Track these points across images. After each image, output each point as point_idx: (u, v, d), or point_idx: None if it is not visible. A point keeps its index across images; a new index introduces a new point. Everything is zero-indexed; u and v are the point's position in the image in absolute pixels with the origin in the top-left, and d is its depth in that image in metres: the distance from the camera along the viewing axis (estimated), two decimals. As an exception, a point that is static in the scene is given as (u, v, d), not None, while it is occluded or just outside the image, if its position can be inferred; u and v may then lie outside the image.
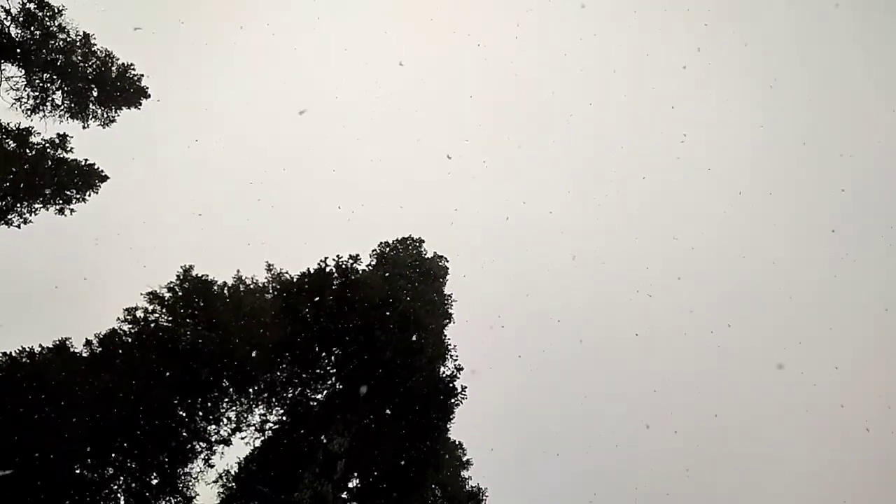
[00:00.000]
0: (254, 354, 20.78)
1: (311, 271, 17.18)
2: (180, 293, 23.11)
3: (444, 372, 16.02)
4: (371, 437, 14.78)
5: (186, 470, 19.62)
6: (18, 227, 21.36)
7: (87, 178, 22.19)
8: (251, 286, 25.14)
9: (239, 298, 23.93)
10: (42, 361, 15.61)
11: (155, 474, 18.56)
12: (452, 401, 15.45)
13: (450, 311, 20.52)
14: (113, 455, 17.36)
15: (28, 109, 21.61)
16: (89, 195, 22.73)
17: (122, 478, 17.81)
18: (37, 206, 21.66)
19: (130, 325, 20.71)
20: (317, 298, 16.11)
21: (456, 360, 16.85)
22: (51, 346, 16.72)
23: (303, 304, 16.36)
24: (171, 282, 22.99)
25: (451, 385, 15.56)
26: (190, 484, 19.36)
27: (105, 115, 22.89)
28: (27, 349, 15.65)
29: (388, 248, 26.87)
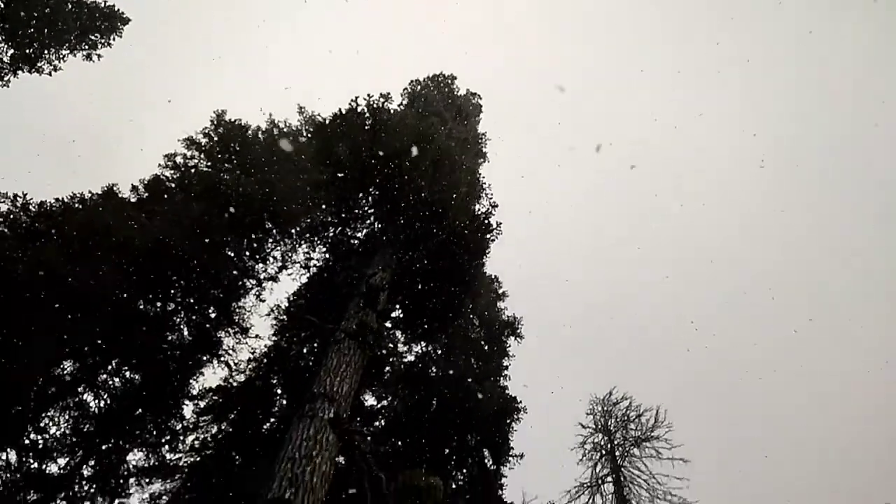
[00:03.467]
0: (293, 196, 21.27)
1: (343, 112, 16.92)
2: (216, 138, 23.25)
3: (479, 209, 16.22)
4: (410, 270, 15.40)
5: (240, 304, 21.01)
6: (49, 74, 21.29)
7: (109, 21, 21.60)
8: (284, 129, 25.09)
9: (273, 142, 24.03)
10: (93, 206, 16.21)
11: (212, 308, 19.94)
12: (488, 236, 15.80)
13: (483, 149, 20.34)
14: (172, 292, 18.59)
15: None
16: (113, 39, 22.24)
17: (182, 312, 19.21)
18: (64, 52, 21.39)
19: (172, 171, 21.16)
20: (350, 139, 16.04)
21: (491, 197, 16.96)
22: (99, 192, 17.27)
23: (336, 145, 16.33)
24: (206, 127, 23.06)
25: (486, 221, 15.83)
26: (245, 316, 20.83)
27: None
28: (78, 195, 16.20)
29: (419, 87, 26.13)
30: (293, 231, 22.53)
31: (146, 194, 18.99)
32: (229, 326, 20.18)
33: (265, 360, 20.00)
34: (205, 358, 19.58)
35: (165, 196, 19.00)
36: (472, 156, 18.03)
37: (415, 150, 15.39)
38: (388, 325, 16.42)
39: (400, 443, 19.47)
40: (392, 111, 17.50)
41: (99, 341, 15.10)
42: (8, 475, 14.65)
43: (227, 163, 22.46)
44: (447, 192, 15.29)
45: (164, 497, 16.93)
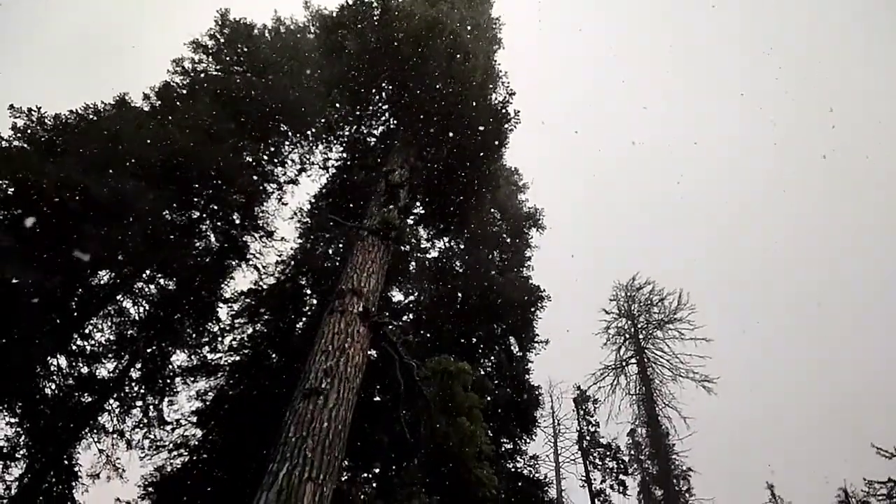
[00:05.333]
0: (305, 97, 20.88)
1: (349, 2, 16.17)
2: (222, 40, 22.61)
3: (495, 98, 15.74)
4: (429, 165, 15.24)
5: (263, 209, 21.23)
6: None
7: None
8: (291, 26, 24.25)
9: (281, 40, 23.30)
10: (108, 117, 16.14)
11: (236, 214, 20.22)
12: (506, 126, 15.42)
13: (498, 35, 19.46)
14: (195, 200, 18.80)
15: None
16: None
17: (207, 220, 19.52)
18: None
19: (182, 77, 20.80)
20: (359, 31, 15.40)
21: (507, 85, 16.39)
22: (112, 102, 17.12)
23: (345, 38, 15.72)
24: (211, 28, 22.37)
25: (503, 110, 15.41)
26: (269, 220, 21.12)
27: None
28: (91, 105, 16.09)
29: (428, -30, 24.73)
30: (309, 132, 22.33)
31: (158, 102, 18.80)
32: (254, 231, 20.53)
33: (293, 263, 20.44)
34: (234, 262, 20.09)
35: (178, 103, 18.79)
36: (487, 42, 17.25)
37: (426, 40, 14.78)
38: (410, 221, 16.47)
39: (428, 334, 20.13)
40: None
41: (131, 251, 15.49)
42: (60, 380, 15.58)
43: (237, 65, 21.99)
44: (462, 83, 14.78)
45: (209, 393, 17.94)
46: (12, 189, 13.28)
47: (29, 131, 14.56)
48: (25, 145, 14.30)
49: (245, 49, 22.39)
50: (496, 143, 15.69)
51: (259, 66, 21.91)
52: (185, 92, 19.76)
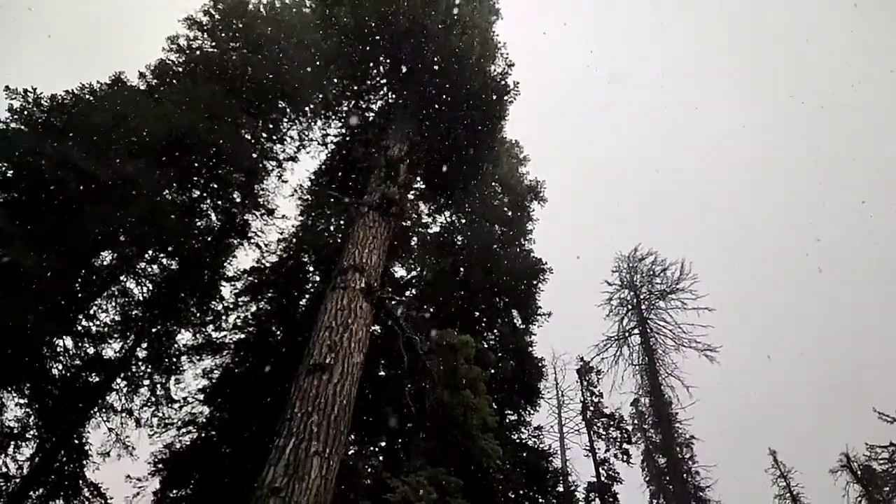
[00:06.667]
0: (302, 72, 20.69)
1: (345, -25, 15.92)
2: (217, 15, 22.33)
3: (494, 70, 15.57)
4: (428, 139, 15.15)
5: (263, 186, 21.18)
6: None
7: None
8: (287, 0, 23.93)
9: (276, 15, 23.01)
10: (103, 96, 16.01)
11: (236, 193, 20.18)
12: (506, 98, 15.29)
13: (496, 6, 19.18)
14: (195, 179, 18.74)
15: None
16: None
17: (208, 199, 19.48)
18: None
19: (177, 55, 20.58)
20: (354, 3, 15.17)
21: (506, 57, 16.21)
22: (108, 81, 16.97)
23: (341, 12, 15.51)
24: (205, 3, 22.09)
25: (503, 82, 15.26)
26: (269, 198, 21.07)
27: None
28: (87, 85, 15.95)
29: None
30: (307, 109, 22.18)
31: (154, 81, 18.64)
32: (255, 209, 20.51)
33: (294, 240, 20.45)
34: (235, 241, 20.12)
35: (174, 81, 18.64)
36: (485, 13, 17.01)
37: (423, 11, 14.57)
38: (410, 196, 16.44)
39: (431, 309, 20.20)
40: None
41: (132, 231, 15.50)
42: (67, 360, 15.72)
43: (232, 41, 21.76)
44: (460, 55, 14.61)
45: (215, 371, 18.10)
46: (11, 171, 13.25)
47: (25, 112, 14.45)
48: (23, 127, 14.22)
49: (240, 25, 22.13)
50: (496, 115, 15.57)
51: (255, 43, 21.67)
52: (181, 70, 19.57)
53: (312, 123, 22.34)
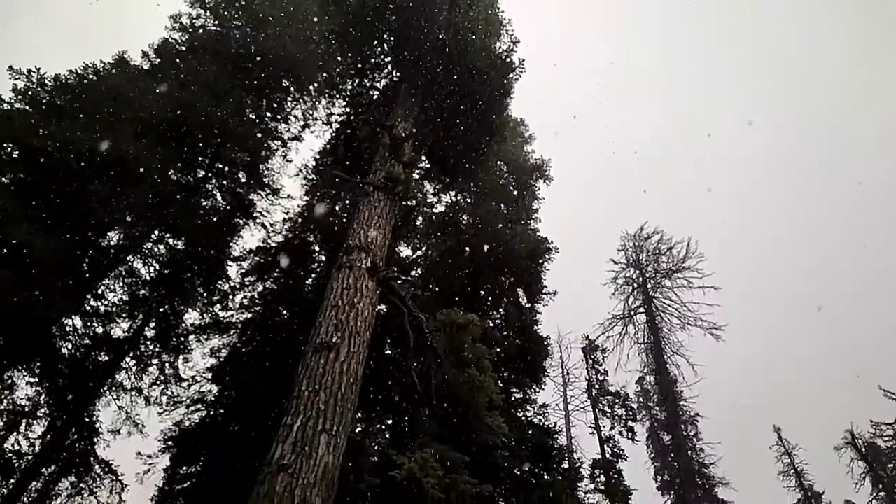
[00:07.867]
0: (306, 51, 20.51)
1: (348, -50, 15.71)
2: (219, -8, 22.10)
3: (499, 47, 15.40)
4: (433, 117, 15.04)
5: (268, 166, 21.12)
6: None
7: None
8: (289, -24, 23.60)
9: (279, -8, 22.73)
10: (107, 76, 15.92)
11: (241, 172, 20.13)
12: (510, 75, 15.15)
13: (501, -19, 18.94)
14: (200, 159, 18.70)
15: None
16: None
17: (213, 179, 19.45)
18: None
19: (181, 34, 20.41)
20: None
21: (511, 34, 16.02)
22: (111, 60, 16.86)
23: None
24: (208, -20, 21.85)
25: (508, 59, 15.10)
26: (275, 178, 21.02)
27: None
28: (90, 65, 15.85)
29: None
30: (311, 87, 22.01)
31: (158, 60, 18.50)
32: (260, 189, 20.47)
33: (300, 220, 20.48)
34: (241, 221, 20.12)
35: (178, 60, 18.50)
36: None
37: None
38: (415, 175, 16.37)
39: (437, 288, 20.25)
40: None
41: (139, 211, 15.53)
42: (76, 340, 15.87)
43: (236, 19, 21.54)
44: (465, 32, 14.45)
45: (222, 350, 18.28)
46: (17, 152, 13.24)
47: (30, 93, 14.40)
48: (27, 107, 14.18)
49: (243, 2, 21.89)
50: (501, 92, 15.44)
51: (258, 21, 21.45)
52: (184, 49, 19.41)
53: (317, 102, 22.19)
